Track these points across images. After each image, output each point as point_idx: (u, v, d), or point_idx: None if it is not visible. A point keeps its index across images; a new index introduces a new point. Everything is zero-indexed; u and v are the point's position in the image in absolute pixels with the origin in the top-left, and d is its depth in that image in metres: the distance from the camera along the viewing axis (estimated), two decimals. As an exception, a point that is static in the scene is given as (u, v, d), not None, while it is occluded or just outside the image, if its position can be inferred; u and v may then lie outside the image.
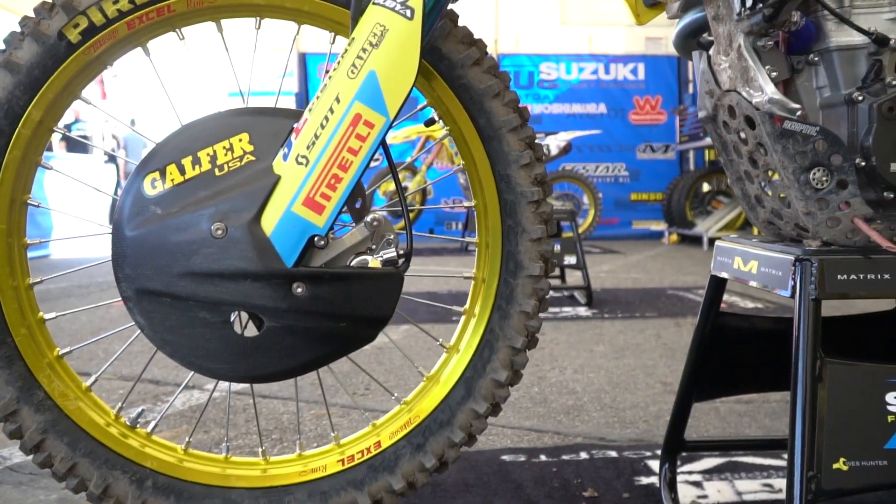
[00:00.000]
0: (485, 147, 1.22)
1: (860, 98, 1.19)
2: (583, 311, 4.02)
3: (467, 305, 1.30)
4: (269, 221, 1.08)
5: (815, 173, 1.19)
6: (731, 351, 1.57)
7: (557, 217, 4.34)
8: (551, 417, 2.18)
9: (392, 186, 7.58)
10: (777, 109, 1.19)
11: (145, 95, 12.24)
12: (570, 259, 4.19)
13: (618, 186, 9.28)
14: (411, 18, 1.07)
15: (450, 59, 1.20)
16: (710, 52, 1.34)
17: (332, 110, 1.08)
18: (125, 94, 12.87)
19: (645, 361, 2.90)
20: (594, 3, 10.40)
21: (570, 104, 9.29)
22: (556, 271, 4.51)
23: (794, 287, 1.19)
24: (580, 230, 8.01)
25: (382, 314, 1.12)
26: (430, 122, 1.32)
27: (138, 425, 1.24)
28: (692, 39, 1.43)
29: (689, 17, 1.42)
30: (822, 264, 1.17)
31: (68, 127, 11.26)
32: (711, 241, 6.74)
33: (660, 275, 5.80)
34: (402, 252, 1.14)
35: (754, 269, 1.33)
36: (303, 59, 9.67)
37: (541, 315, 1.25)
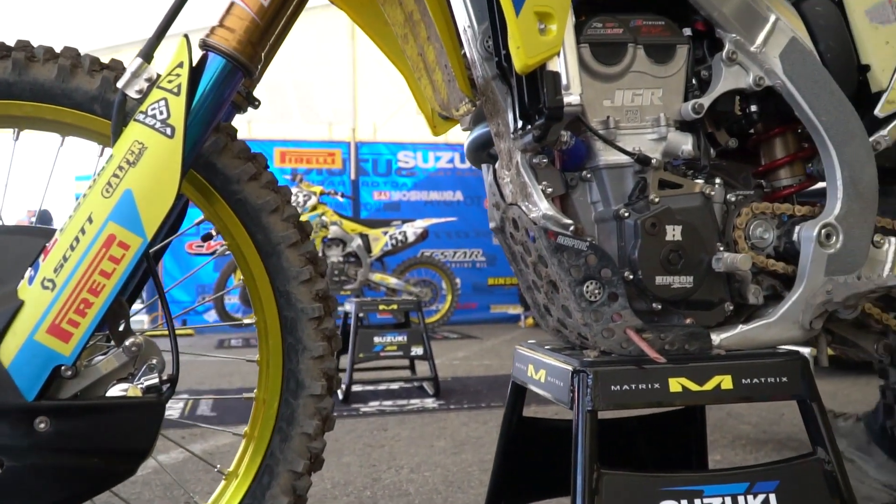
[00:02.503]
0: (263, 263, 1.19)
1: (626, 214, 1.25)
2: (430, 402, 3.99)
3: (247, 427, 1.24)
4: (8, 351, 0.99)
5: (588, 286, 1.23)
6: (536, 456, 1.57)
7: (404, 307, 4.33)
8: (378, 525, 2.11)
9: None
10: (550, 225, 1.23)
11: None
12: (418, 350, 4.17)
13: (475, 271, 9.46)
14: (171, 137, 1.04)
15: (225, 174, 1.18)
16: (496, 165, 1.38)
17: (83, 231, 1.02)
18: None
19: (483, 456, 2.88)
20: (451, 95, 10.76)
21: (428, 191, 9.49)
22: (406, 362, 4.47)
23: (572, 398, 1.21)
24: (439, 316, 8.10)
25: (140, 447, 1.04)
26: (207, 237, 1.27)
27: None
28: (482, 152, 1.48)
29: (479, 131, 1.47)
30: (597, 375, 1.19)
31: None
32: (562, 325, 6.90)
33: (511, 360, 5.88)
34: (166, 377, 1.07)
35: (543, 378, 1.35)
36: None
37: (325, 435, 1.21)
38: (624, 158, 1.27)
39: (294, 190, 7.30)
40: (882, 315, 1.37)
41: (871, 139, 1.34)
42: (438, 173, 9.54)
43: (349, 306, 4.23)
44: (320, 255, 7.25)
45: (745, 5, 1.30)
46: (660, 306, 1.26)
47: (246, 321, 1.27)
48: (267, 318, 1.20)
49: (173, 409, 3.82)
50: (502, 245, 1.45)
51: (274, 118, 8.99)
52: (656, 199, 1.26)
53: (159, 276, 1.12)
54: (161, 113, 1.04)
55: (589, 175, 1.30)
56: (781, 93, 1.31)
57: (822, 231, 1.28)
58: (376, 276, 7.39)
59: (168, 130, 1.04)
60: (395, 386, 4.49)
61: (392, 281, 7.44)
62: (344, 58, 9.12)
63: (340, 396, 4.01)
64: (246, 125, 8.84)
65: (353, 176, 9.26)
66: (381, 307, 4.29)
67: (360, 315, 4.20)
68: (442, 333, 7.90)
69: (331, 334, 1.21)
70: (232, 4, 1.12)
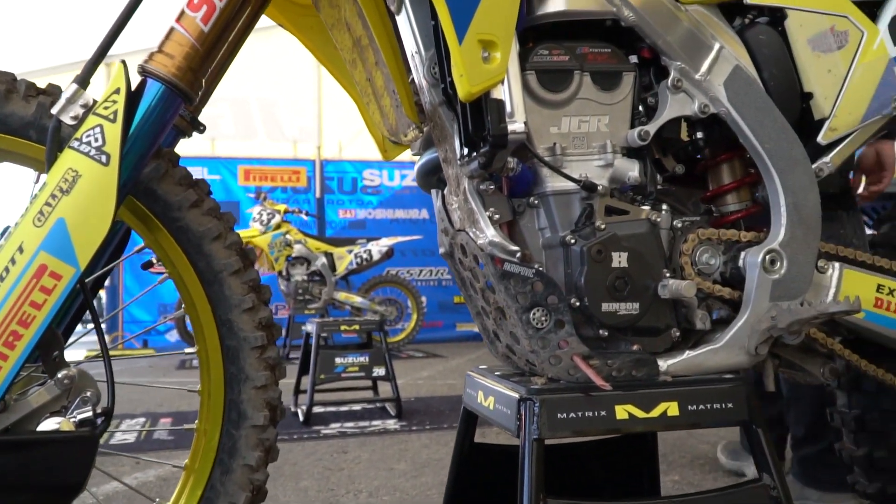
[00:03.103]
0: (205, 291, 1.17)
1: (573, 241, 1.25)
2: (391, 423, 3.96)
3: (188, 460, 1.21)
4: (-67, 385, 0.96)
5: (535, 313, 1.22)
6: (488, 482, 1.56)
7: (367, 328, 4.30)
8: (333, 552, 2.07)
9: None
10: (497, 252, 1.23)
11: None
12: (380, 370, 4.14)
13: (441, 290, 9.44)
14: (106, 164, 1.02)
15: (166, 200, 1.15)
16: (445, 191, 1.38)
17: (13, 261, 0.99)
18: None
19: (443, 479, 2.85)
20: (417, 113, 10.77)
21: (394, 210, 9.47)
22: (369, 383, 4.44)
23: (518, 427, 1.20)
24: (404, 334, 8.06)
25: (72, 482, 1.01)
26: (146, 265, 1.25)
27: None
28: (432, 177, 1.47)
29: (428, 156, 1.46)
30: (543, 403, 1.19)
31: None
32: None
33: (477, 379, 5.86)
34: (101, 410, 1.04)
35: (492, 405, 1.34)
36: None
37: (268, 467, 1.18)
38: (570, 185, 1.27)
39: (258, 208, 7.25)
40: (827, 340, 1.39)
41: (813, 166, 1.35)
42: (404, 191, 9.53)
43: (310, 327, 4.19)
44: (284, 273, 7.22)
45: (690, 33, 1.32)
46: (606, 333, 1.26)
47: (187, 351, 1.24)
48: (209, 348, 1.18)
49: (129, 434, 3.75)
50: (452, 270, 1.45)
51: (238, 136, 8.93)
52: (602, 226, 1.26)
53: (92, 303, 1.09)
54: (96, 140, 1.02)
55: (536, 201, 1.30)
56: (726, 120, 1.32)
57: (767, 257, 1.30)
58: (341, 295, 7.34)
59: (103, 158, 1.02)
60: (357, 407, 4.45)
61: (357, 300, 7.40)
62: (309, 76, 9.10)
63: (301, 418, 3.96)
64: (210, 143, 8.77)
65: (318, 194, 9.22)
66: (342, 327, 4.26)
67: (325, 335, 4.17)
68: (407, 352, 7.87)
69: (274, 363, 1.19)
70: (171, 30, 1.10)
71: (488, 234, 1.23)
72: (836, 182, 1.48)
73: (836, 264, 1.38)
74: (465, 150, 1.23)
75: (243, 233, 7.35)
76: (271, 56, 7.93)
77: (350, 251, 7.43)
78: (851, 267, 1.39)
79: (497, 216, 1.26)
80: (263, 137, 9.11)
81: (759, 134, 1.32)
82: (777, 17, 1.40)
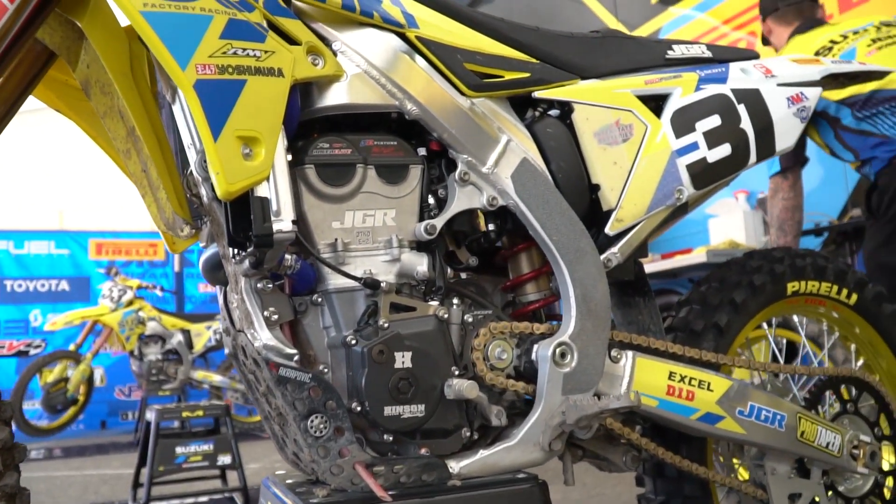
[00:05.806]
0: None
1: (353, 341, 1.19)
2: (238, 516, 3.73)
3: None
4: None
5: (313, 420, 1.15)
6: None
7: (212, 413, 4.07)
8: None
9: (52, 376, 6.78)
10: (272, 355, 1.15)
11: None
12: (225, 459, 3.90)
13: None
14: None
15: None
16: (228, 288, 1.29)
17: None
18: None
19: (280, 578, 2.68)
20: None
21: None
22: (217, 472, 4.18)
23: (293, 548, 1.11)
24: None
25: None
26: None
27: None
28: (219, 271, 1.38)
29: (213, 249, 1.38)
30: (321, 520, 1.10)
31: None
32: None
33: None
34: None
35: (276, 520, 1.24)
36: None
37: None
38: (354, 282, 1.22)
39: (108, 284, 6.86)
40: (624, 429, 1.37)
41: (602, 257, 1.36)
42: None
43: (150, 414, 3.92)
44: (136, 353, 6.81)
45: (476, 127, 1.31)
46: (392, 438, 1.20)
47: None
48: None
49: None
50: (239, 372, 1.36)
51: (90, 207, 8.49)
52: (385, 325, 1.21)
53: None
54: None
55: (320, 299, 1.23)
56: (515, 212, 1.32)
57: (557, 350, 1.28)
58: (199, 374, 6.98)
59: None
60: (203, 498, 4.18)
61: (216, 378, 7.05)
62: (168, 146, 8.81)
63: (138, 516, 3.68)
64: (58, 215, 8.30)
65: (177, 268, 8.83)
66: (184, 413, 4.01)
67: (167, 420, 3.91)
68: (271, 431, 7.56)
69: (12, 491, 1.05)
70: None
71: (262, 336, 1.16)
72: (632, 269, 1.50)
73: (630, 353, 1.38)
74: (235, 250, 1.16)
75: (92, 311, 6.92)
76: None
77: (209, 327, 7.10)
78: (644, 355, 1.39)
79: (276, 316, 1.19)
80: (117, 208, 8.69)
81: (546, 226, 1.31)
82: (565, 110, 1.42)
